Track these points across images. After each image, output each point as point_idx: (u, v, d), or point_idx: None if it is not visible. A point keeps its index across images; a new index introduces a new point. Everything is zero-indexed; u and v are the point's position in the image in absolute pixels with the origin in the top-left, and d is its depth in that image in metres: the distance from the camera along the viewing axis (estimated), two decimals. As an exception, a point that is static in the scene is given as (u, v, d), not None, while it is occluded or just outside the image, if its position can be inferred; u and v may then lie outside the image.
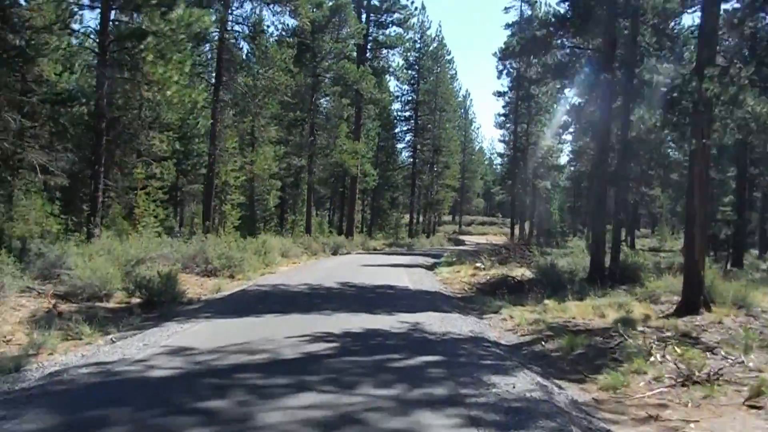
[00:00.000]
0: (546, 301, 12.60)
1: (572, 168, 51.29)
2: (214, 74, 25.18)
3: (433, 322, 10.30)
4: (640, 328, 9.57)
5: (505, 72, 42.79)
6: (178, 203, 32.36)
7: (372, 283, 16.98)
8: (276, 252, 23.33)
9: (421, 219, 63.21)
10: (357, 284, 16.64)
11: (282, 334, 8.64)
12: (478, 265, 20.85)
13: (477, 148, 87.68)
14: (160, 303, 11.27)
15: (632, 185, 32.76)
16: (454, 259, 26.65)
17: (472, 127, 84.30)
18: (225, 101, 24.71)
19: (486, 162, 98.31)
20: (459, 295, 16.07)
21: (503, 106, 53.51)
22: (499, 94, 48.30)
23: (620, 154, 20.27)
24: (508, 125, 53.07)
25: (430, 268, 23.69)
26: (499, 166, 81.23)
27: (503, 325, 10.97)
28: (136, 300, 11.40)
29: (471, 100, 57.21)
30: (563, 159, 50.01)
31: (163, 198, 22.09)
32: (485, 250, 30.76)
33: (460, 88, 60.95)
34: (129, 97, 19.04)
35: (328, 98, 31.74)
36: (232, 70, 24.34)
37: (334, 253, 31.97)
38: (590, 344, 8.76)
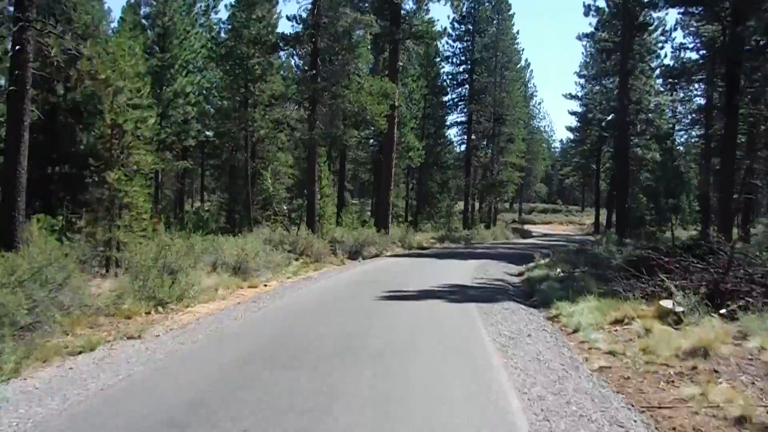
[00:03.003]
0: None
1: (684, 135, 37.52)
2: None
3: None
4: None
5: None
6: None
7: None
8: (217, 274, 11.34)
9: (477, 206, 50.35)
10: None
11: None
12: (665, 304, 8.11)
13: (538, 126, 73.51)
14: None
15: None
16: (559, 272, 14.11)
17: (533, 102, 70.51)
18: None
19: (544, 145, 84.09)
20: None
21: (591, 53, 39.74)
22: (585, 36, 34.89)
23: None
24: (593, 80, 39.36)
25: (534, 303, 11.26)
26: (570, 141, 67.26)
27: None
28: None
29: (531, 70, 44.48)
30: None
31: None
32: (574, 248, 18.35)
33: (523, 51, 48.00)
34: None
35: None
36: None
37: (354, 257, 19.72)
38: None
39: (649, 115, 31.67)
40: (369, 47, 21.97)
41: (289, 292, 11.80)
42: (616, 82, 33.78)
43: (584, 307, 8.91)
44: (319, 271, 15.63)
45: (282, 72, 26.56)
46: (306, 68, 20.82)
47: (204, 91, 29.00)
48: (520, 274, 16.42)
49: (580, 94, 55.49)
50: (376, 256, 21.09)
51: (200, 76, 28.48)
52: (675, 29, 33.86)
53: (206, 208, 33.36)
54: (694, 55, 30.16)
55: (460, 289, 12.08)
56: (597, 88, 40.59)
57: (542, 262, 18.46)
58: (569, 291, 10.57)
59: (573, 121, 66.62)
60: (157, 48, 26.05)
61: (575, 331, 7.92)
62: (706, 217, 43.86)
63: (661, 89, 31.83)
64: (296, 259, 17.17)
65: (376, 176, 38.06)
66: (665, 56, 35.23)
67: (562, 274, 14.23)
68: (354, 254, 20.17)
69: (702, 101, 32.18)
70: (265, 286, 12.55)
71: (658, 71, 33.03)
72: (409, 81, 38.09)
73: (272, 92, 20.41)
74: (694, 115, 33.13)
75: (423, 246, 27.10)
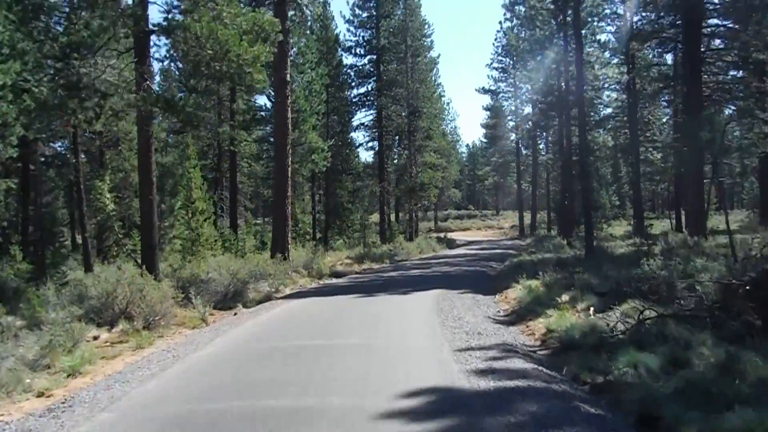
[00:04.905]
0: None
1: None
2: None
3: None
4: None
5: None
6: None
7: None
8: None
9: (393, 216, 43.13)
10: None
11: None
12: None
13: (449, 127, 67.04)
14: None
15: None
16: (616, 322, 6.86)
17: (442, 102, 64.34)
18: None
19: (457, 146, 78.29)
20: None
21: (514, 26, 33.36)
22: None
23: None
24: (519, 61, 33.10)
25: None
26: (485, 140, 61.56)
27: None
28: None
29: (437, 69, 37.99)
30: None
31: None
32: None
33: (432, 38, 41.33)
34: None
35: None
36: None
37: (229, 306, 11.72)
38: None
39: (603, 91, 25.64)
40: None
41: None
42: (551, 57, 27.64)
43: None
44: (133, 357, 7.50)
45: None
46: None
47: None
48: (515, 316, 9.08)
49: (493, 87, 50.23)
50: (267, 298, 13.11)
51: None
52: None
53: None
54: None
55: (460, 418, 4.52)
56: (523, 71, 34.40)
57: (525, 285, 11.37)
58: None
59: (484, 119, 61.30)
60: None
61: None
62: (677, 208, 38.99)
63: (609, 59, 25.95)
64: (108, 330, 9.02)
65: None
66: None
67: (621, 324, 7.01)
68: (229, 299, 12.15)
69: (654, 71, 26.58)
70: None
71: (603, 38, 27.28)
72: (306, 69, 30.43)
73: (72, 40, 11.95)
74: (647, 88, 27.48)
75: (337, 271, 19.34)
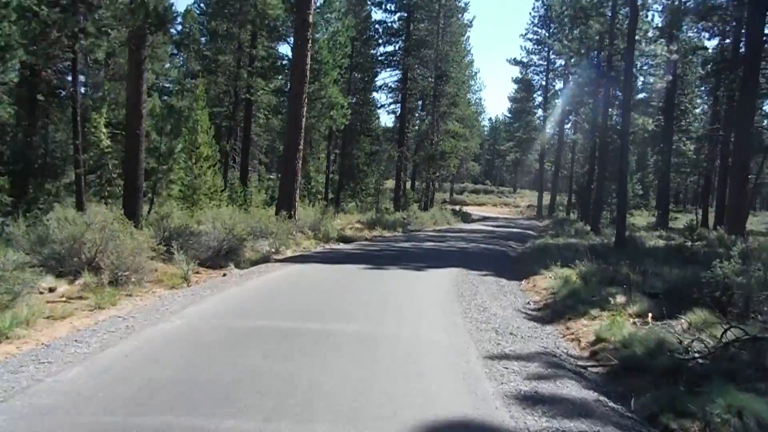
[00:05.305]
0: None
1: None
2: None
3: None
4: None
5: None
6: None
7: None
8: None
9: (409, 183, 41.39)
10: None
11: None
12: None
13: (475, 98, 64.26)
14: None
15: None
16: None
17: (470, 71, 61.68)
18: None
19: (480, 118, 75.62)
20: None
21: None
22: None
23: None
24: (557, 30, 30.80)
25: None
26: (511, 114, 59.14)
27: None
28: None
29: (471, 25, 35.20)
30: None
31: None
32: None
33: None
34: None
35: None
36: None
37: (220, 264, 10.27)
38: None
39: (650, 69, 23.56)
40: None
41: None
42: (596, 27, 25.45)
43: None
44: (86, 319, 6.05)
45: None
46: None
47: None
48: (551, 313, 7.52)
49: (525, 59, 47.84)
50: (265, 260, 11.65)
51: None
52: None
53: None
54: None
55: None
56: (564, 41, 32.16)
57: (558, 274, 9.87)
58: None
59: (512, 92, 58.78)
60: None
61: None
62: (705, 203, 37.06)
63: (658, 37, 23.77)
64: (70, 282, 7.60)
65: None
66: None
67: (697, 342, 5.44)
68: (222, 257, 10.70)
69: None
70: None
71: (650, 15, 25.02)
72: (332, 18, 28.49)
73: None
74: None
75: (346, 236, 17.84)
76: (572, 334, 6.49)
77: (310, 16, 16.26)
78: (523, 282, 10.56)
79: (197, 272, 9.56)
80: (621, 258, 11.83)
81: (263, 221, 14.41)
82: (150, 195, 14.90)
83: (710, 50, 32.75)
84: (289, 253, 13.09)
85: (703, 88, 40.13)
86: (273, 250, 12.87)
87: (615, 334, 5.92)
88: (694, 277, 7.78)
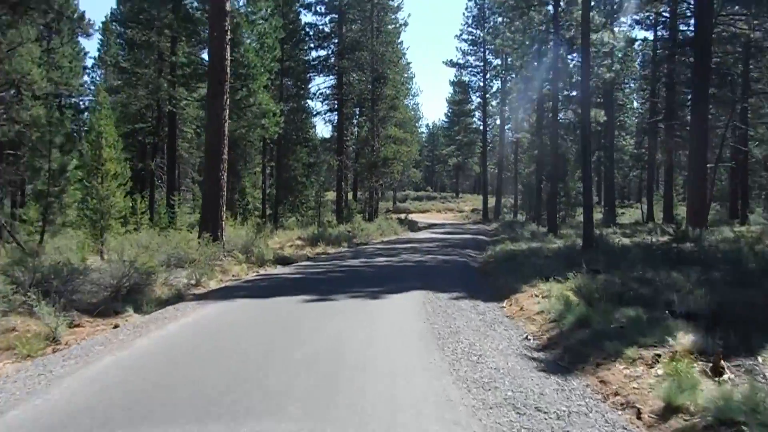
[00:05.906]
0: None
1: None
2: None
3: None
4: None
5: None
6: None
7: None
8: None
9: (351, 194, 39.05)
10: None
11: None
12: None
13: (412, 104, 62.44)
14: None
15: None
16: None
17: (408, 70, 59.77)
18: None
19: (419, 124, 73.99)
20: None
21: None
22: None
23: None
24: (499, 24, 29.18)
25: None
26: (448, 117, 57.64)
27: None
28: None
29: (407, 23, 33.14)
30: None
31: None
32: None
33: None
34: None
35: None
36: None
37: (114, 312, 7.66)
38: None
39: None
40: None
41: None
42: (537, 18, 23.98)
43: None
44: None
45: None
46: None
47: None
48: (563, 353, 5.39)
49: (461, 61, 46.52)
50: (179, 297, 9.08)
51: None
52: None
53: None
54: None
55: None
56: (505, 33, 30.70)
57: (550, 292, 7.87)
58: None
59: (449, 94, 57.35)
60: None
61: None
62: (650, 197, 36.30)
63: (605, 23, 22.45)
64: None
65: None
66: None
67: None
68: (122, 299, 8.11)
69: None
70: None
71: None
72: (258, 19, 25.98)
73: None
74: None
75: (284, 256, 15.34)
76: (616, 394, 4.35)
77: (227, 4, 13.82)
78: (504, 303, 8.45)
79: (78, 325, 6.97)
80: (596, 262, 9.97)
81: (182, 246, 11.86)
82: (38, 224, 12.04)
83: (650, 41, 32.24)
84: (212, 285, 10.54)
85: (638, 84, 39.77)
86: (193, 281, 10.32)
87: (692, 399, 3.82)
88: (742, 295, 5.82)
